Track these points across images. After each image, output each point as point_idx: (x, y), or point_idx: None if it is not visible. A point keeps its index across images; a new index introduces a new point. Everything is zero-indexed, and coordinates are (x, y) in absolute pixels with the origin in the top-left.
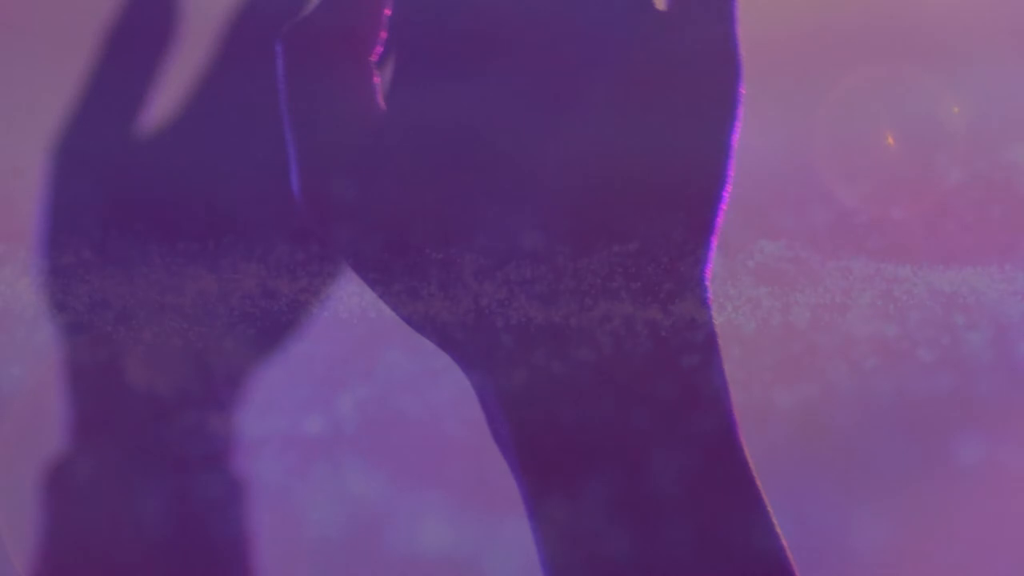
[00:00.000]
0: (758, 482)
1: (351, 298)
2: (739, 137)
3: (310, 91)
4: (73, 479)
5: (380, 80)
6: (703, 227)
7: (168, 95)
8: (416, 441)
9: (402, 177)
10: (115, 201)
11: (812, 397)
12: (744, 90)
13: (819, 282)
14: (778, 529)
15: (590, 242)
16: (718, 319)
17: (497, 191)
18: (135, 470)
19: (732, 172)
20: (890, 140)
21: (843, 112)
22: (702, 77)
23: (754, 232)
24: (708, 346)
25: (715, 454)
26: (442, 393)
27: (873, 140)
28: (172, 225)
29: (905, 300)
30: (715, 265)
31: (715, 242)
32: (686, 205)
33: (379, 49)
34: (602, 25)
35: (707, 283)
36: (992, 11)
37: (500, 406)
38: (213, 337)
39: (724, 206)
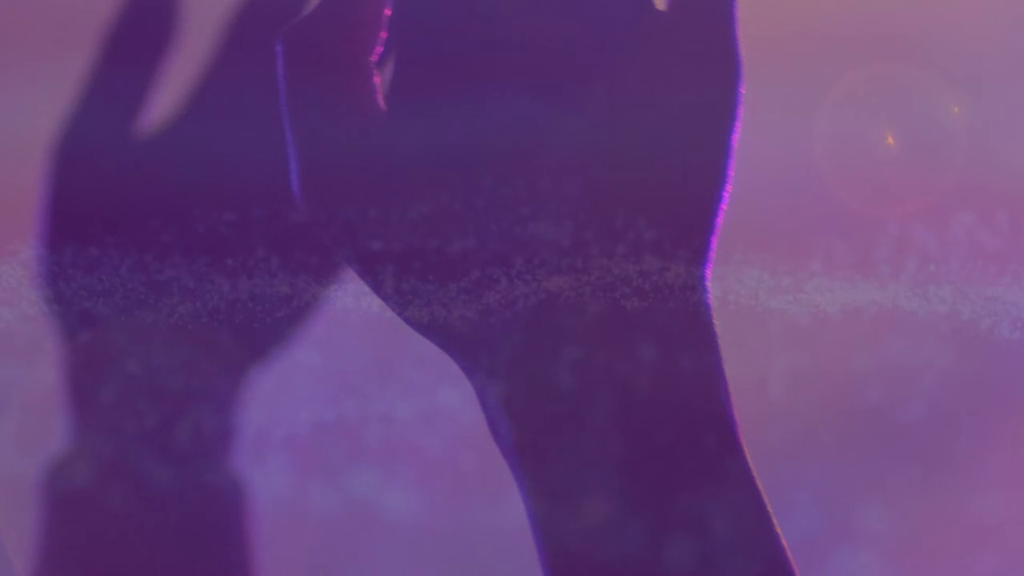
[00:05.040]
0: (758, 482)
1: (351, 298)
2: (739, 137)
3: (310, 91)
4: (73, 479)
5: (380, 80)
6: (703, 227)
7: (168, 95)
8: (416, 441)
9: (402, 177)
10: (115, 201)
11: (813, 396)
12: (744, 90)
13: (819, 282)
14: (778, 529)
15: (590, 243)
16: (718, 318)
17: (497, 191)
18: (135, 470)
19: (732, 172)
20: (890, 140)
21: (843, 112)
22: (702, 77)
23: (754, 233)
24: (708, 346)
25: (715, 454)
26: (442, 393)
27: (873, 140)
28: (172, 225)
29: (906, 302)
30: (715, 265)
31: (715, 242)
32: (686, 205)
33: (379, 49)
34: (602, 25)
35: (707, 283)
36: (993, 11)
37: (500, 407)
38: (213, 337)
39: (724, 206)
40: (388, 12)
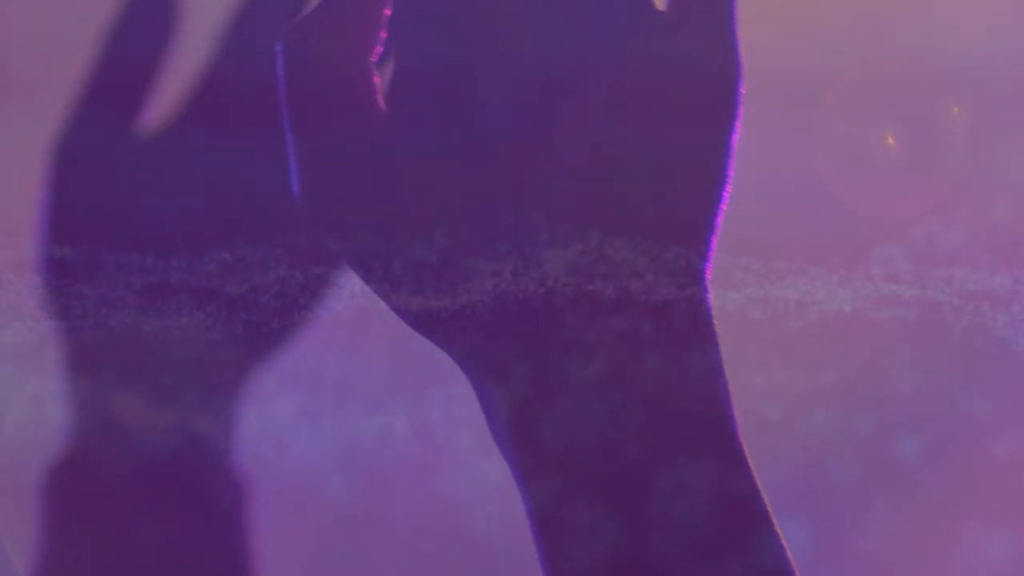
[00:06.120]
0: (758, 482)
1: (351, 298)
2: (739, 137)
3: (310, 91)
4: (73, 480)
5: (380, 80)
6: (703, 227)
7: (168, 95)
8: (416, 440)
9: (402, 177)
10: (115, 201)
11: (813, 396)
12: (744, 90)
13: (818, 282)
14: (779, 530)
15: (591, 243)
16: (718, 319)
17: (497, 191)
18: (134, 471)
19: (732, 172)
20: (890, 140)
21: (843, 112)
22: (702, 77)
23: (753, 233)
24: (708, 346)
25: (715, 454)
26: (442, 393)
27: (873, 140)
28: (172, 225)
29: (905, 301)
30: (715, 265)
31: (715, 242)
32: (686, 205)
33: (379, 49)
34: (602, 25)
35: (707, 283)
36: (993, 11)
37: (500, 406)
38: (213, 337)
39: (724, 206)
40: (388, 12)
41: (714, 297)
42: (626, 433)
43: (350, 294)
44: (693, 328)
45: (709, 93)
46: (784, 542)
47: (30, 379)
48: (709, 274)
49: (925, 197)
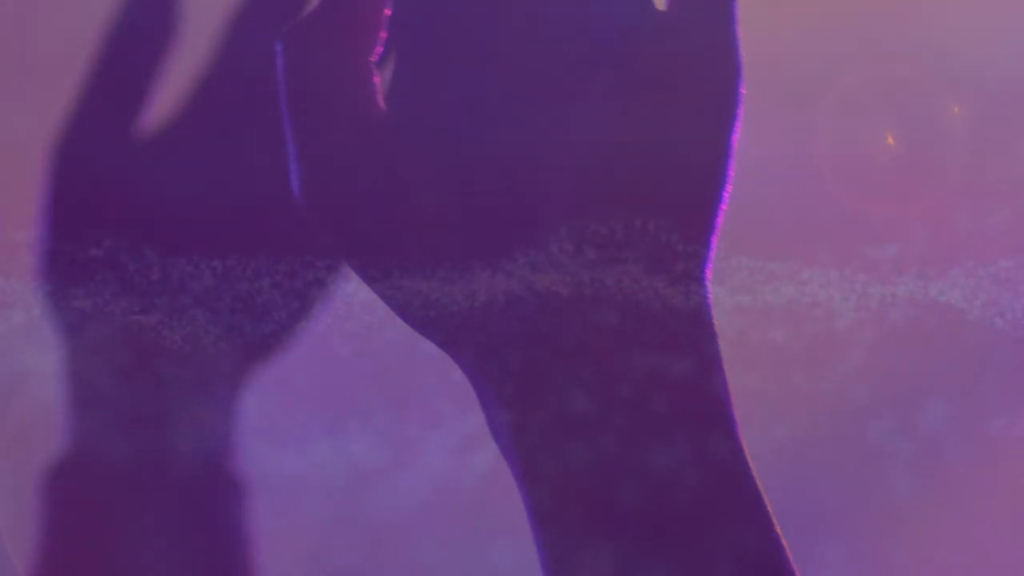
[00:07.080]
0: (759, 483)
1: (351, 298)
2: (739, 137)
3: (310, 91)
4: (73, 480)
5: (380, 80)
6: (703, 227)
7: (168, 95)
8: (416, 440)
9: (402, 177)
10: (115, 201)
11: (812, 396)
12: (744, 90)
13: (818, 282)
14: (779, 530)
15: (591, 243)
16: (717, 318)
17: (496, 191)
18: (135, 471)
19: (732, 172)
20: (890, 140)
21: (843, 112)
22: (702, 77)
23: (753, 232)
24: (708, 346)
25: (715, 455)
26: (442, 393)
27: (873, 140)
28: (172, 225)
29: (904, 301)
30: (715, 264)
31: (715, 242)
32: (686, 205)
33: (379, 49)
34: (602, 25)
35: (707, 283)
36: (993, 11)
37: (500, 406)
38: (213, 337)
39: (724, 206)
40: (388, 12)
41: (714, 296)
42: (625, 433)
43: (350, 295)
44: (693, 328)
45: (709, 93)
46: (783, 541)
47: (30, 378)
48: (709, 274)
49: (925, 197)
